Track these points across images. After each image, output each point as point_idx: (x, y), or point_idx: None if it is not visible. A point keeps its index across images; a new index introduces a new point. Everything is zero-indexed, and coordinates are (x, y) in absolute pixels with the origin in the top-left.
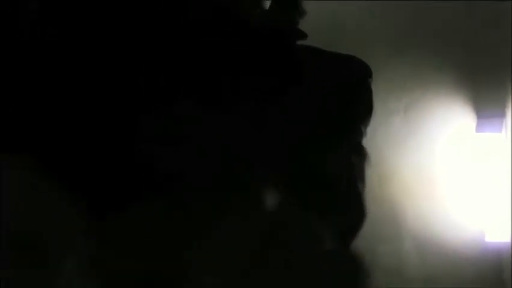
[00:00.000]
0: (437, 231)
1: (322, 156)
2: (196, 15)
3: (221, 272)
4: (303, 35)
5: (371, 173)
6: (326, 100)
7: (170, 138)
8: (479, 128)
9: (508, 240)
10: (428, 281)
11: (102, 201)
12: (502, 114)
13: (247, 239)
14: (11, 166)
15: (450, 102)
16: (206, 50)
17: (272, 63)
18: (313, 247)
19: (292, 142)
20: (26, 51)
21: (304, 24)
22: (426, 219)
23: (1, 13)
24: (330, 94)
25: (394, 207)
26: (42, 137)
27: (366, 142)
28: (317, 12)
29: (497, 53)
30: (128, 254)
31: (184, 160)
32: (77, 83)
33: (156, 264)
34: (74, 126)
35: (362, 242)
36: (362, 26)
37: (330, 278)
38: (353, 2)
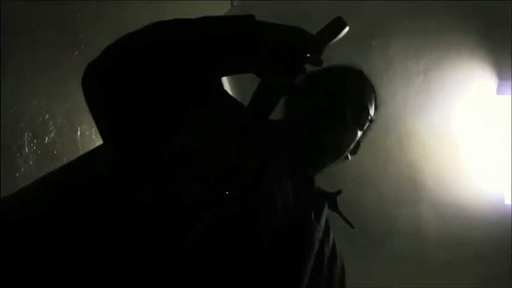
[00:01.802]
0: (456, 194)
1: None
2: None
3: None
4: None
5: (390, 136)
6: None
7: None
8: (500, 90)
9: None
10: (447, 243)
11: None
12: None
13: None
14: None
15: (471, 64)
16: None
17: None
18: None
19: None
20: None
21: None
22: (445, 182)
23: None
24: None
25: (413, 170)
26: None
27: (386, 104)
28: None
29: None
30: None
31: None
32: None
33: None
34: None
35: (381, 205)
36: None
37: None
38: None
